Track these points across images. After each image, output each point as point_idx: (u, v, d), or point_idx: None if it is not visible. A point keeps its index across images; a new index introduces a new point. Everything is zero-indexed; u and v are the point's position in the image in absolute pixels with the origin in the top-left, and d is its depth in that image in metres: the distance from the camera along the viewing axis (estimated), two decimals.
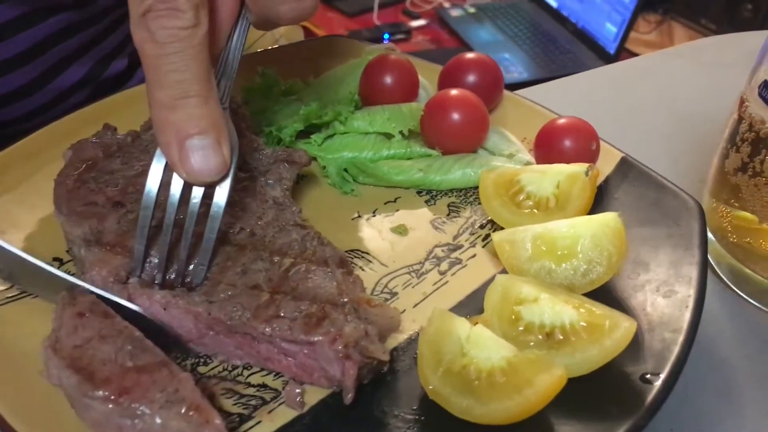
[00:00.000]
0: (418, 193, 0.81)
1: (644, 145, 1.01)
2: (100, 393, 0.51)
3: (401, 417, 0.57)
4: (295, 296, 0.59)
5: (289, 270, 0.62)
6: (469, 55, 0.91)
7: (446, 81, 0.91)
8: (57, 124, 0.82)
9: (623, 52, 2.47)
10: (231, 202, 0.68)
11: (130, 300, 0.60)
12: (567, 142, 0.79)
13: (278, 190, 0.71)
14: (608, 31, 2.51)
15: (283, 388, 0.59)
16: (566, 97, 1.13)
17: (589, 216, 0.68)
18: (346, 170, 0.82)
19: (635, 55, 2.23)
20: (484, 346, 0.57)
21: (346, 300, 0.59)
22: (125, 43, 1.10)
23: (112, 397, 0.51)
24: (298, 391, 0.58)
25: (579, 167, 0.73)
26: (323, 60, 0.98)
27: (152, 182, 0.58)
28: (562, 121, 0.81)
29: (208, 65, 0.54)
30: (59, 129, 0.81)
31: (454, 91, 0.83)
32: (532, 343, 0.59)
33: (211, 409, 0.52)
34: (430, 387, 0.56)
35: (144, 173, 0.68)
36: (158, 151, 0.58)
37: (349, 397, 0.56)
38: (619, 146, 0.82)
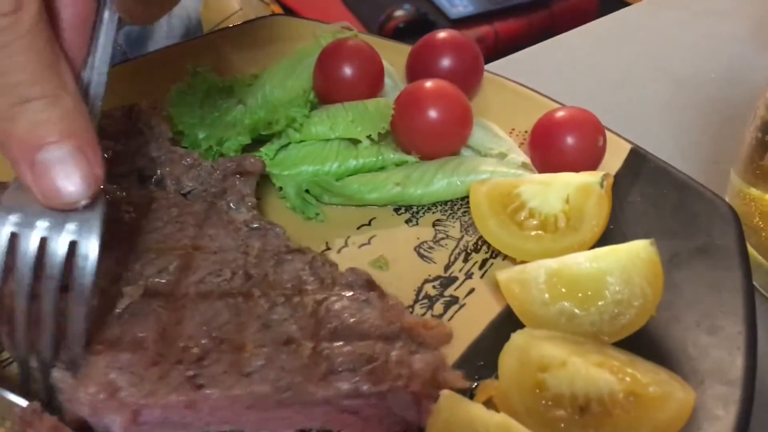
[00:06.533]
0: (396, 210, 0.68)
1: (641, 117, 0.88)
2: None
3: None
4: (341, 340, 0.50)
5: (317, 311, 0.51)
6: (441, 35, 0.76)
7: (416, 67, 0.76)
8: None
9: None
10: (203, 244, 0.56)
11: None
12: (569, 140, 0.66)
13: (245, 213, 0.61)
14: None
15: None
16: (547, 66, 0.99)
17: (613, 246, 0.55)
18: (307, 191, 0.68)
19: None
20: None
21: (398, 329, 0.50)
22: None
23: None
24: None
25: (591, 177, 0.61)
26: (267, 47, 0.82)
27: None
28: (561, 113, 0.68)
29: (52, 56, 0.42)
30: None
31: (428, 83, 0.69)
32: (562, 425, 0.48)
33: None
34: None
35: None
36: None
37: None
38: (611, 120, 0.70)
